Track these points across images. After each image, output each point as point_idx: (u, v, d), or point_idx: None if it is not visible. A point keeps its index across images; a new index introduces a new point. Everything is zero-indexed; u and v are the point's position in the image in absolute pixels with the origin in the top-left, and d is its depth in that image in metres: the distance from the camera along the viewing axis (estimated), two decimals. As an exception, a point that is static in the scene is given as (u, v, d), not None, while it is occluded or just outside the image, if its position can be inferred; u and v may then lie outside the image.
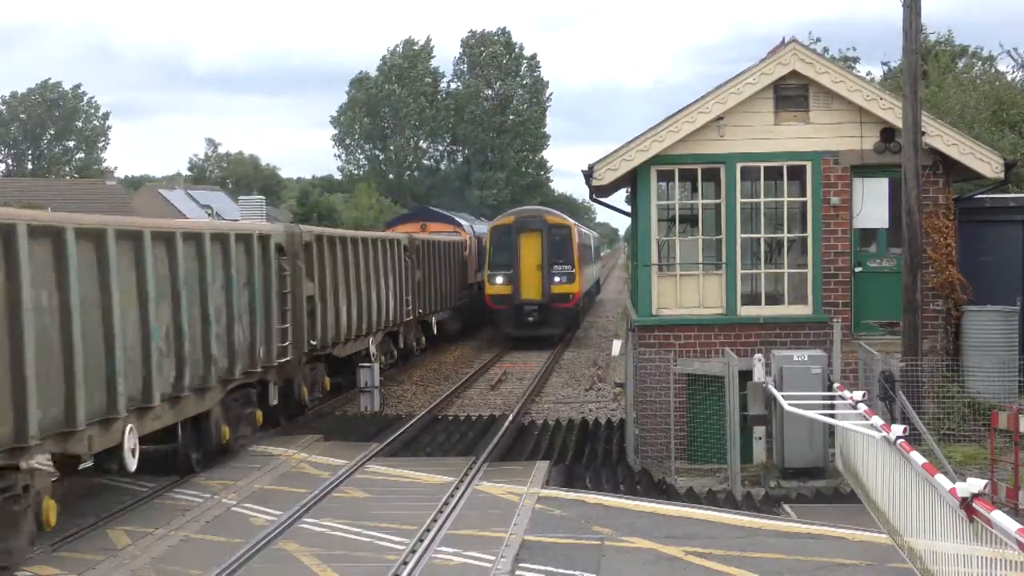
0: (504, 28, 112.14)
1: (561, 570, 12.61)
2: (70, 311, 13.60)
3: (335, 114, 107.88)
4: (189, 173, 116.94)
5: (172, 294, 16.83)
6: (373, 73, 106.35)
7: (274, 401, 21.51)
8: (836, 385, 16.73)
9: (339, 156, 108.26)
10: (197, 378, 17.59)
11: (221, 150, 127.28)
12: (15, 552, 12.70)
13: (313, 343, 23.65)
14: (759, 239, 20.54)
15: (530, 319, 40.67)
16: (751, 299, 20.30)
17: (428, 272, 36.98)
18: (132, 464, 15.16)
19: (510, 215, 43.31)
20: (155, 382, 15.93)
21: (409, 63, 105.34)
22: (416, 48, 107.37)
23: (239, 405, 19.83)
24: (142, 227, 16.13)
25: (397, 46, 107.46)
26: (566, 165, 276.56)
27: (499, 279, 40.98)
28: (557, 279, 40.78)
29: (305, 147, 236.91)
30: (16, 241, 12.57)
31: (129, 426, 15.09)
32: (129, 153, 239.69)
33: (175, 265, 16.86)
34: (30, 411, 12.60)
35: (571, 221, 44.19)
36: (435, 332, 38.42)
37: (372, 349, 28.18)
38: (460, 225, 47.54)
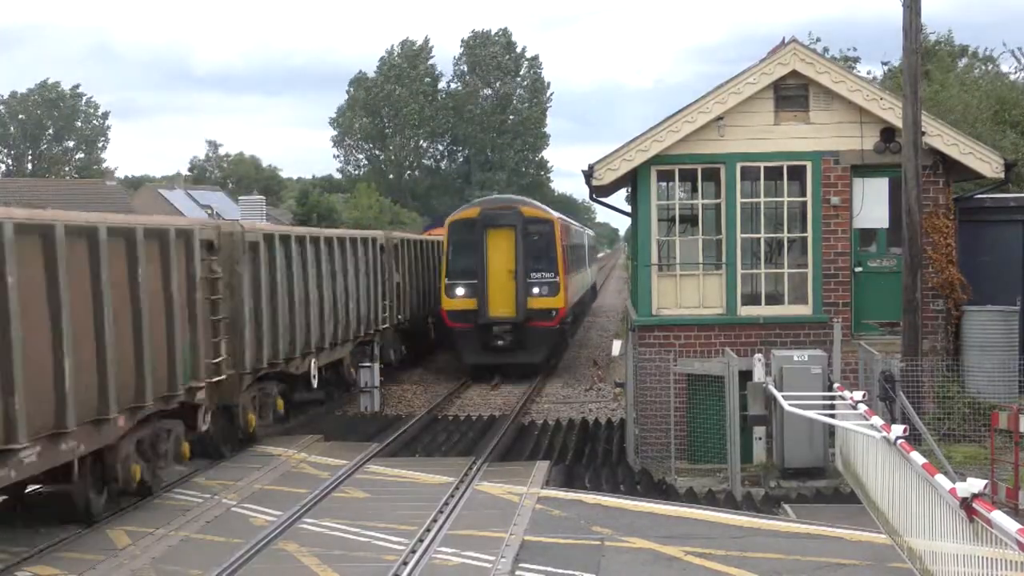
0: (505, 28, 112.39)
1: (561, 570, 12.60)
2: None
3: (334, 115, 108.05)
4: (189, 173, 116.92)
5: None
6: (371, 73, 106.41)
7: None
8: (836, 385, 16.73)
9: (338, 157, 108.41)
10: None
11: (222, 151, 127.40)
12: None
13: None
14: (759, 239, 20.54)
15: (500, 343, 31.68)
16: (751, 299, 20.29)
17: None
18: None
19: (474, 206, 34.15)
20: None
21: (409, 63, 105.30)
22: (415, 48, 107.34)
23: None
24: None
25: (395, 46, 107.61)
26: (567, 165, 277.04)
27: (459, 290, 31.95)
28: (536, 290, 31.78)
29: (306, 147, 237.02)
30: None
31: None
32: (130, 153, 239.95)
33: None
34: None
35: (554, 214, 35.53)
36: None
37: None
38: None
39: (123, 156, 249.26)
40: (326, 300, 24.56)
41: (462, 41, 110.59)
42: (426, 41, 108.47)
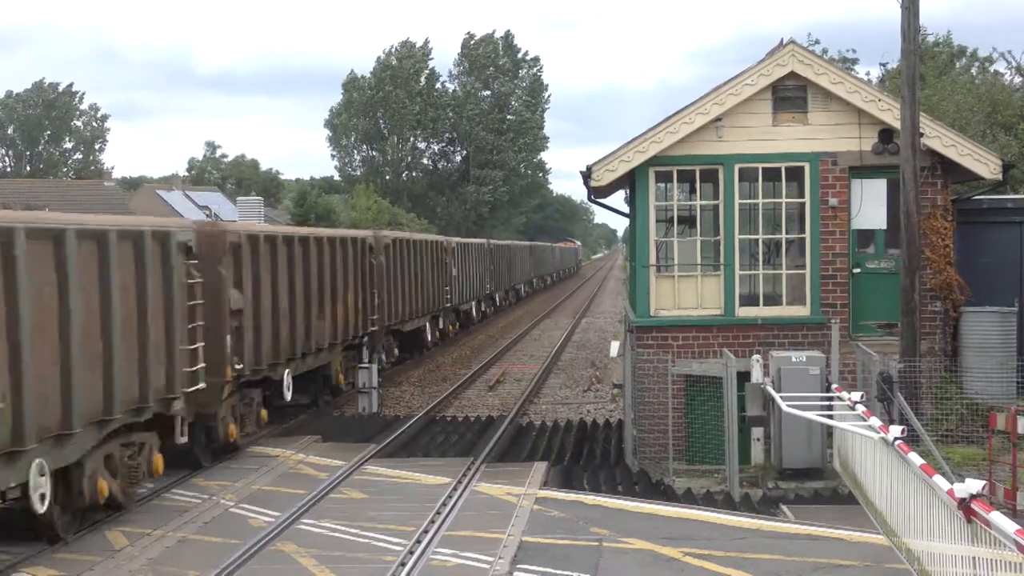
0: (508, 31, 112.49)
1: (559, 571, 12.60)
2: None
3: (328, 116, 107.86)
4: (188, 174, 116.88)
5: None
6: (365, 74, 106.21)
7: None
8: (834, 386, 16.73)
9: (334, 157, 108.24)
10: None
11: (220, 152, 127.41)
12: None
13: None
14: (757, 240, 20.54)
15: None
16: (749, 300, 20.29)
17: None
18: None
19: None
20: None
21: (408, 64, 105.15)
22: (415, 50, 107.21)
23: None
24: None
25: (393, 46, 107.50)
26: (568, 166, 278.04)
27: None
28: None
29: (306, 148, 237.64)
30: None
31: None
32: (131, 154, 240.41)
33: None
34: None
35: None
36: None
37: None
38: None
39: (122, 157, 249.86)
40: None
41: (461, 43, 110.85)
42: (425, 43, 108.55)
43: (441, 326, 41.01)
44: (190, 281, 17.14)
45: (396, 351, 33.24)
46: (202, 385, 17.41)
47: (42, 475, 12.92)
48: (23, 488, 12.75)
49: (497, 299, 59.37)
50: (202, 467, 18.75)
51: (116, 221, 15.65)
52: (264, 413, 21.55)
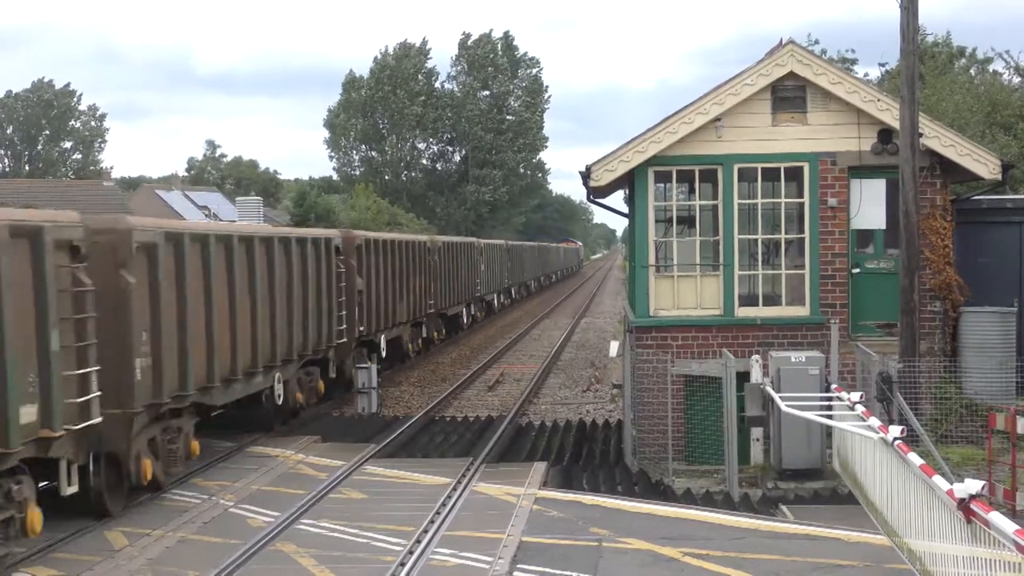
0: (506, 31, 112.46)
1: (559, 571, 12.60)
2: None
3: (326, 116, 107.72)
4: (187, 174, 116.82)
5: None
6: (364, 74, 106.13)
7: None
8: (834, 386, 16.73)
9: (332, 158, 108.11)
10: None
11: (220, 152, 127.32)
12: None
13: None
14: (757, 240, 20.54)
15: None
16: (749, 300, 20.29)
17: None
18: None
19: None
20: None
21: (406, 64, 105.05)
22: (414, 50, 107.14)
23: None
24: None
25: (388, 46, 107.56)
26: (568, 166, 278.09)
27: None
28: None
29: (306, 148, 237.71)
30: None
31: None
32: (131, 154, 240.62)
33: None
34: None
35: None
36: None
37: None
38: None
39: (121, 157, 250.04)
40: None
41: (459, 43, 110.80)
42: (423, 43, 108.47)
43: (473, 312, 50.48)
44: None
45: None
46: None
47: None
48: None
49: (512, 292, 68.13)
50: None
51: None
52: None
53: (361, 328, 27.92)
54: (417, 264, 35.99)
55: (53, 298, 13.48)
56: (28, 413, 13.00)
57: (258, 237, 21.43)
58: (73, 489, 14.11)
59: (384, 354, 31.07)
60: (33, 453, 13.20)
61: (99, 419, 14.45)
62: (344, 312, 26.57)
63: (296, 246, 23.23)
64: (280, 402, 22.39)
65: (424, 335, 37.96)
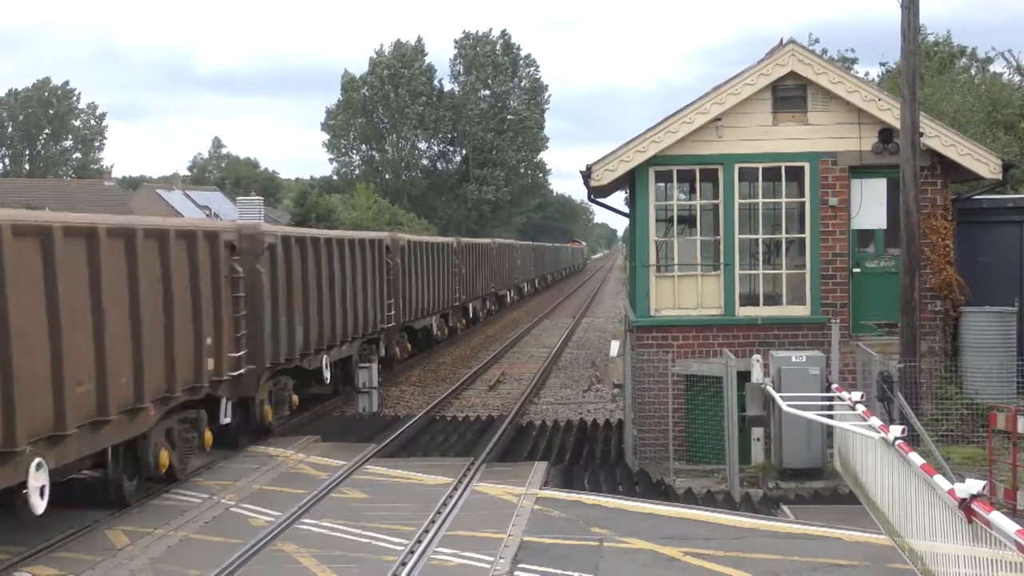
0: (504, 31, 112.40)
1: (559, 571, 12.60)
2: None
3: (324, 118, 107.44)
4: (188, 173, 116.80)
5: None
6: (361, 74, 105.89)
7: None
8: (834, 386, 16.74)
9: (332, 160, 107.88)
10: None
11: (226, 151, 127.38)
12: None
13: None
14: (757, 240, 20.55)
15: None
16: (749, 300, 20.30)
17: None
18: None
19: None
20: None
21: (405, 64, 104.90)
22: (412, 49, 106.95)
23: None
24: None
25: (383, 44, 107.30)
26: (568, 166, 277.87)
27: None
28: None
29: (306, 148, 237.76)
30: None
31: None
32: (129, 154, 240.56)
33: None
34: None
35: None
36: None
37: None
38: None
39: (121, 156, 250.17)
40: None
41: (455, 42, 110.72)
42: (419, 40, 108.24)
43: (488, 305, 56.71)
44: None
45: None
46: None
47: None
48: None
49: (536, 283, 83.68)
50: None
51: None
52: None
53: (403, 317, 32.79)
54: (443, 264, 41.00)
55: (224, 280, 18.56)
56: (210, 363, 17.99)
57: (336, 239, 26.28)
58: (228, 420, 19.03)
59: (419, 337, 36.98)
60: (209, 391, 18.02)
61: (244, 370, 19.35)
62: (391, 300, 31.69)
63: (359, 247, 28.01)
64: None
65: (449, 324, 43.31)
